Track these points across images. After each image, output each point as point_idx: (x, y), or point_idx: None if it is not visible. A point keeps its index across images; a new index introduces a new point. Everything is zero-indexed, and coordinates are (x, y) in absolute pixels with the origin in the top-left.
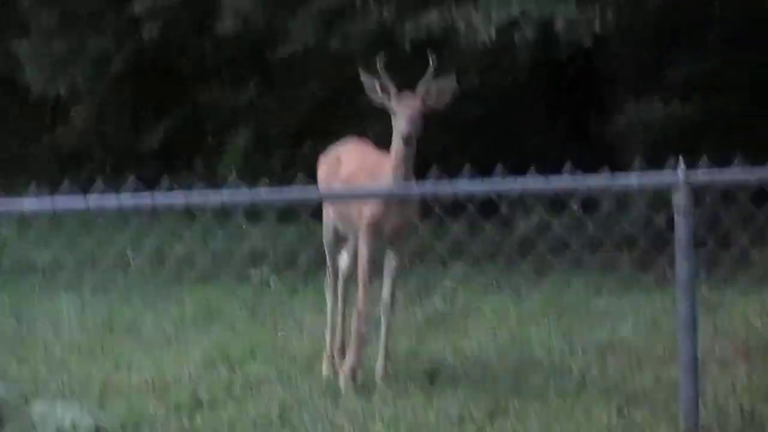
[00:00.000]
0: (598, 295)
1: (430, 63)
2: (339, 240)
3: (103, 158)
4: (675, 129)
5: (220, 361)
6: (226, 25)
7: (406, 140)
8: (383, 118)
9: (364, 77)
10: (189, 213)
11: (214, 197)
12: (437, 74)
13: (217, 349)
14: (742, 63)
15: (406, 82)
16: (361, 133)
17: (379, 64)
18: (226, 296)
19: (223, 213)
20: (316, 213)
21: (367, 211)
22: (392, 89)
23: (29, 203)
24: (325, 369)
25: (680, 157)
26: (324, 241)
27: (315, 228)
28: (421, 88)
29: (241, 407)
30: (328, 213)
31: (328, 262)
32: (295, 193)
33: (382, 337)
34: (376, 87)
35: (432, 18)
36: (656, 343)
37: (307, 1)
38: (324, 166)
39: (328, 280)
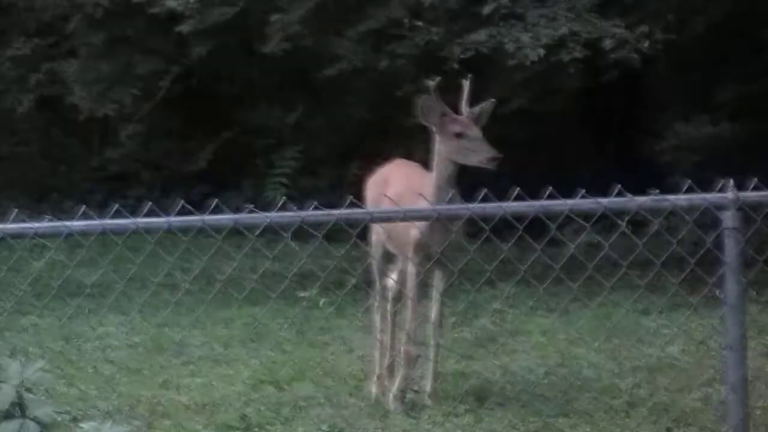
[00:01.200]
0: (647, 315)
1: (466, 84)
2: (387, 260)
3: (151, 180)
4: (723, 150)
5: (268, 382)
6: (274, 45)
7: (494, 162)
8: (429, 139)
9: (423, 98)
10: (237, 234)
11: (261, 218)
12: (480, 97)
13: (265, 369)
14: None
15: (450, 102)
16: (408, 153)
17: (433, 87)
18: (275, 317)
19: (271, 234)
20: (364, 234)
21: (414, 231)
22: (449, 112)
23: (77, 224)
24: (374, 389)
25: (730, 178)
26: (372, 261)
27: (363, 249)
28: (474, 111)
29: (290, 428)
30: (377, 233)
31: (376, 283)
32: (343, 213)
33: (431, 357)
34: (432, 109)
35: (480, 38)
36: (705, 364)
37: (355, 21)
38: (372, 186)
39: (376, 300)
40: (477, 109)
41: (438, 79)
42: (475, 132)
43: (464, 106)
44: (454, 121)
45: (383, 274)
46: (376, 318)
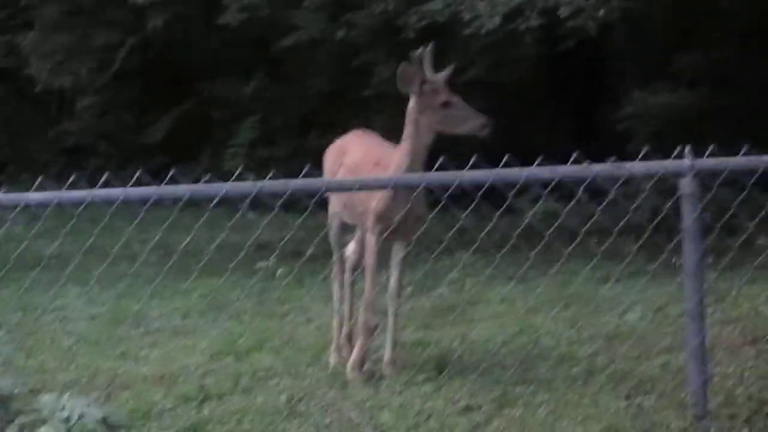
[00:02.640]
0: (605, 282)
1: (428, 51)
2: (345, 231)
3: (109, 151)
4: (682, 118)
5: (227, 353)
6: (231, 16)
7: (487, 129)
8: (387, 109)
9: (404, 67)
10: (195, 205)
11: (217, 188)
12: (437, 67)
13: (223, 340)
14: (750, 55)
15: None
16: (365, 123)
17: (419, 55)
18: (233, 288)
19: (229, 204)
20: (323, 204)
21: (375, 201)
22: (430, 80)
23: (35, 196)
24: (332, 359)
25: (687, 145)
26: (329, 232)
27: (321, 219)
28: (445, 76)
29: (249, 398)
30: (334, 204)
31: (334, 253)
32: (299, 183)
33: (390, 326)
34: (414, 77)
35: (436, 6)
36: (664, 331)
37: None
38: (329, 157)
39: (335, 270)
40: (445, 75)
41: (427, 48)
42: (460, 100)
43: (430, 73)
44: (436, 91)
45: (341, 245)
46: (335, 288)
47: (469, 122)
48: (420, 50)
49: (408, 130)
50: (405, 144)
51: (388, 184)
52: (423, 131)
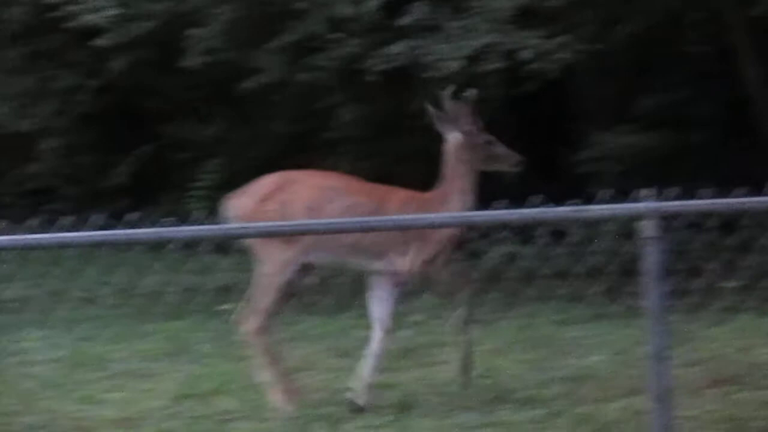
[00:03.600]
0: (568, 325)
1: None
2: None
3: (72, 194)
4: (644, 160)
5: (190, 396)
6: (194, 59)
7: (521, 166)
8: (351, 151)
9: (455, 105)
10: (157, 248)
11: (181, 232)
12: (401, 109)
13: (186, 383)
14: (710, 95)
15: (373, 112)
16: (329, 166)
17: (471, 96)
18: (196, 330)
19: (192, 247)
20: None
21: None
22: (469, 120)
23: None
24: (280, 401)
25: (649, 187)
26: (277, 279)
27: None
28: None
29: None
30: (305, 246)
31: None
32: (260, 227)
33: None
34: (461, 115)
35: (399, 50)
36: (627, 373)
37: (274, 34)
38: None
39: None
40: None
41: (473, 91)
42: (495, 138)
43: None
44: (474, 130)
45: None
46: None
47: (507, 159)
48: (449, 89)
49: (454, 170)
50: (457, 182)
51: (354, 227)
52: (469, 169)
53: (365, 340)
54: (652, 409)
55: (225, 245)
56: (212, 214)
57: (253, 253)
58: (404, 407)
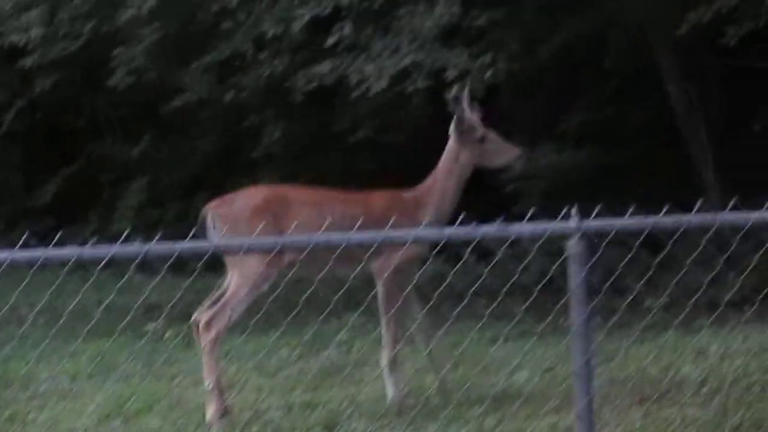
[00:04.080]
0: (494, 344)
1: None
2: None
3: None
4: (569, 178)
5: (116, 415)
6: (119, 79)
7: (522, 159)
8: (277, 169)
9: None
10: (82, 267)
11: (106, 251)
12: (326, 129)
13: (112, 402)
14: (635, 114)
15: (300, 130)
16: (254, 183)
17: (461, 93)
18: (121, 350)
19: (118, 267)
20: (210, 266)
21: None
22: (471, 118)
23: None
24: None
25: (573, 206)
26: (252, 291)
27: (210, 280)
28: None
29: None
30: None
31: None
32: (186, 245)
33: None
34: (463, 118)
35: (324, 69)
36: (552, 391)
37: (199, 53)
38: (255, 214)
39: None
40: (476, 112)
41: (463, 88)
42: (495, 134)
43: (467, 112)
44: (473, 127)
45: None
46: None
47: (506, 154)
48: (455, 89)
49: (445, 168)
50: (439, 182)
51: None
52: (461, 167)
53: (290, 360)
54: (577, 426)
55: (151, 264)
56: (136, 231)
57: (230, 263)
58: (330, 427)
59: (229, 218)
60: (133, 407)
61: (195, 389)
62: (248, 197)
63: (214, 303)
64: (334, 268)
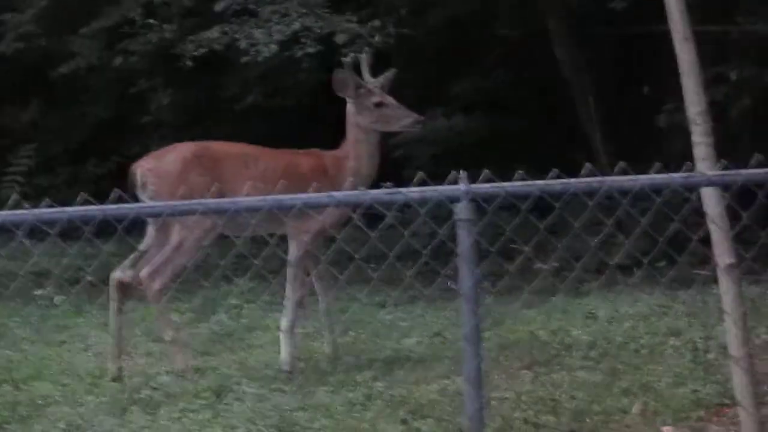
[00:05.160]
0: (383, 307)
1: (367, 57)
2: None
3: None
4: (458, 143)
5: (5, 381)
6: (6, 45)
7: (420, 124)
8: (166, 135)
9: (338, 72)
10: None
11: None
12: (216, 93)
13: (1, 369)
14: (524, 80)
15: (189, 97)
16: (144, 150)
17: (350, 62)
18: (11, 316)
19: (6, 233)
20: (100, 232)
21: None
22: (363, 84)
23: None
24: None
25: (464, 170)
26: (196, 246)
27: (99, 246)
28: (380, 80)
29: (27, 427)
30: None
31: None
32: (76, 211)
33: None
34: (347, 82)
35: (213, 35)
36: (442, 356)
37: (88, 18)
38: (185, 169)
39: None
40: (381, 78)
41: (356, 56)
42: (392, 99)
43: (368, 78)
44: (369, 92)
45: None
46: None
47: (403, 120)
48: (352, 56)
49: (351, 133)
50: (351, 148)
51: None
52: (364, 132)
53: (180, 325)
54: (466, 390)
55: (40, 229)
56: (27, 198)
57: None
58: (220, 391)
59: (161, 173)
60: (23, 373)
61: (85, 354)
62: (178, 152)
63: (138, 261)
64: (255, 230)
